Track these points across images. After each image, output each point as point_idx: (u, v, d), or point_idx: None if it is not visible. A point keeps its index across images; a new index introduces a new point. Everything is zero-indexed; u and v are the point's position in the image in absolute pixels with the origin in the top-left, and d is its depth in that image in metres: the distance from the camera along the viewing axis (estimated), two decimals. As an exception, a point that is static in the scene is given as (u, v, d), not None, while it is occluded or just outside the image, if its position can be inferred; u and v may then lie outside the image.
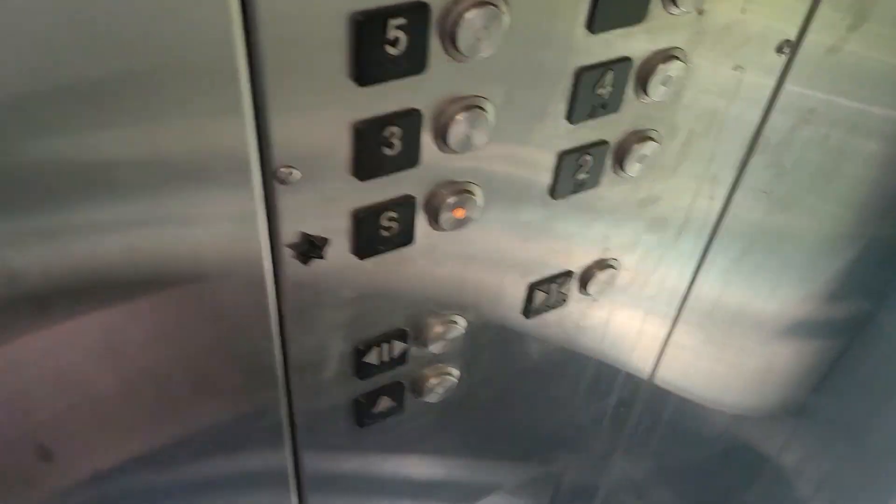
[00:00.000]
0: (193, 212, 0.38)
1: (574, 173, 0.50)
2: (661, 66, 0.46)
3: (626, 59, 0.45)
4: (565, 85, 0.45)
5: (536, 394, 0.69)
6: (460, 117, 0.42)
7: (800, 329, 0.90)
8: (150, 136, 0.34)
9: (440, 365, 0.58)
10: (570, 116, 0.46)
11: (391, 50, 0.37)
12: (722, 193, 0.60)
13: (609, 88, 0.46)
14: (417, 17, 0.36)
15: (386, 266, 0.48)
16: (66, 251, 0.36)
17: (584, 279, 0.59)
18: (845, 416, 1.10)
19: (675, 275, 0.66)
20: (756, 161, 0.59)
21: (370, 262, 0.47)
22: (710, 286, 0.70)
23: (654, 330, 0.70)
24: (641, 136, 0.51)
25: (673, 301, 0.69)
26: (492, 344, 0.60)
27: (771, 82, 0.54)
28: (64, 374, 0.41)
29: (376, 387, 0.56)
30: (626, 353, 0.72)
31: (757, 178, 0.61)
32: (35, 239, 0.35)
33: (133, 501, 0.51)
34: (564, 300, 0.60)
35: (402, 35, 0.36)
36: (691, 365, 0.82)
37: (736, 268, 0.70)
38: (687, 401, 0.89)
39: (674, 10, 0.44)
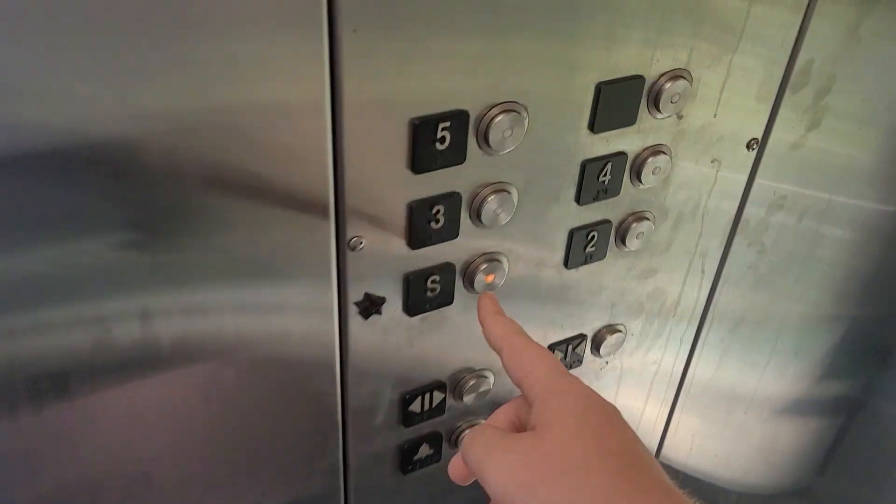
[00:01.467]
0: (279, 287, 0.49)
1: (584, 247, 0.60)
2: (651, 159, 0.58)
3: (622, 153, 0.57)
4: (574, 174, 0.56)
5: (557, 452, 0.77)
6: (492, 199, 0.53)
7: (795, 408, 0.98)
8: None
9: (472, 418, 0.67)
10: (579, 199, 0.57)
11: (438, 146, 0.48)
12: (712, 267, 0.70)
13: (609, 177, 0.57)
14: (459, 120, 0.48)
15: (430, 323, 0.58)
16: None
17: (597, 342, 0.69)
18: (849, 497, 1.15)
19: (675, 342, 0.75)
20: (739, 240, 0.70)
21: (417, 319, 0.57)
22: (707, 357, 0.79)
23: (660, 394, 0.79)
24: (638, 217, 0.61)
25: (676, 368, 0.77)
26: (517, 400, 0.68)
27: (745, 173, 0.65)
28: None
29: (418, 435, 0.65)
30: (633, 420, 0.80)
31: (741, 256, 0.71)
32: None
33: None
34: (580, 361, 0.69)
35: (448, 134, 0.48)
36: (696, 442, 0.90)
37: (730, 339, 0.79)
38: (692, 478, 0.96)
39: (658, 115, 0.56)
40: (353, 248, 0.50)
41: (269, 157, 0.43)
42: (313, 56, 0.41)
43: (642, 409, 0.80)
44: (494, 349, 0.45)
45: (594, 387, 0.73)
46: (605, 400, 0.40)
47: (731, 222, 0.68)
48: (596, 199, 0.58)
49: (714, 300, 0.73)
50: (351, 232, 0.49)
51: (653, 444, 0.88)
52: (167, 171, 0.41)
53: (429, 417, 0.63)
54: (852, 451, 1.12)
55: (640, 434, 0.73)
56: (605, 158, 0.56)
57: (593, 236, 0.60)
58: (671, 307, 0.71)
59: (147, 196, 0.41)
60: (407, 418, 0.62)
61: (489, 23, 0.45)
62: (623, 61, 0.52)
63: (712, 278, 0.71)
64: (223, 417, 0.54)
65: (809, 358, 0.91)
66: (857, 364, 0.99)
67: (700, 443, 0.92)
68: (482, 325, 0.46)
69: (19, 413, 0.45)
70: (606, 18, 0.49)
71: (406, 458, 0.65)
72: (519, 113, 0.49)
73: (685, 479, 0.98)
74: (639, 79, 0.53)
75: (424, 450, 0.66)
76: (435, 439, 0.66)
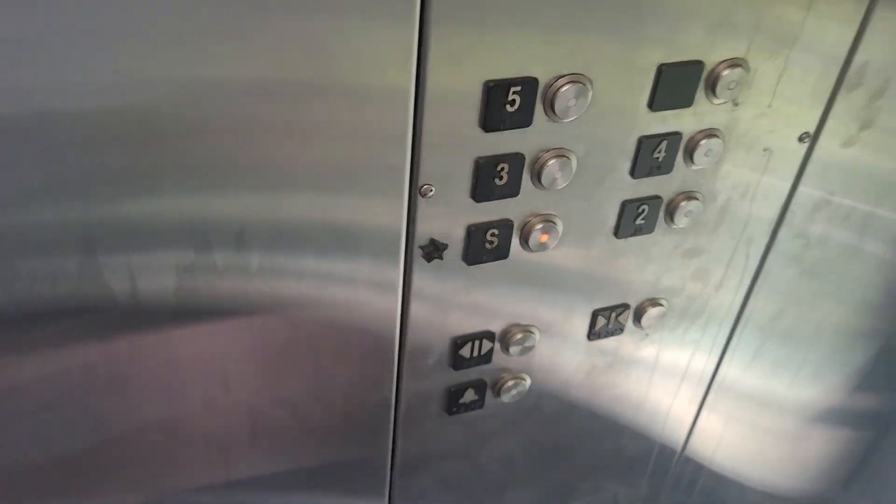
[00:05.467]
0: (355, 212, 0.55)
1: (634, 219, 0.65)
2: (704, 142, 0.62)
3: (677, 133, 0.61)
4: (630, 148, 0.61)
5: (589, 419, 0.82)
6: (553, 163, 0.58)
7: (827, 416, 1.00)
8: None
9: (517, 370, 0.72)
10: (633, 172, 0.62)
11: (509, 108, 0.53)
12: (757, 253, 0.74)
13: (663, 154, 0.62)
14: (530, 87, 0.53)
15: (485, 274, 0.63)
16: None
17: (638, 313, 0.73)
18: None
19: (715, 325, 0.79)
20: (785, 231, 0.73)
21: (474, 269, 0.62)
22: (745, 345, 0.83)
23: (698, 368, 0.83)
24: (688, 196, 0.66)
25: (714, 351, 0.81)
26: (560, 360, 0.74)
27: (795, 165, 0.68)
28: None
29: (466, 379, 0.70)
30: (668, 397, 0.84)
31: (787, 246, 0.75)
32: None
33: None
34: (622, 329, 0.74)
35: (518, 98, 0.53)
36: (724, 437, 0.93)
37: (770, 330, 0.82)
38: (716, 474, 0.99)
39: (715, 100, 0.60)
40: (424, 195, 0.56)
41: (358, 110, 0.50)
42: (405, 18, 0.47)
43: (676, 391, 0.84)
44: None
45: (631, 359, 0.78)
46: None
47: (779, 212, 0.72)
48: (649, 174, 0.63)
49: (756, 287, 0.77)
50: (423, 179, 0.55)
51: (680, 435, 0.91)
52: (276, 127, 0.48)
53: (476, 364, 0.69)
54: (880, 468, 1.13)
55: (668, 420, 0.78)
56: (661, 136, 0.61)
57: (644, 209, 0.65)
58: (713, 289, 0.75)
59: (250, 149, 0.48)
60: (456, 362, 0.68)
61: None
62: (685, 46, 0.56)
63: (756, 264, 0.75)
64: (290, 346, 0.61)
65: (844, 368, 0.93)
66: (892, 381, 1.01)
67: (727, 438, 0.95)
68: None
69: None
70: (674, 4, 0.54)
71: (452, 401, 0.71)
72: (584, 85, 0.54)
73: (708, 477, 1.02)
74: (698, 64, 0.57)
75: (469, 395, 0.71)
76: (480, 386, 0.71)
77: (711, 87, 0.59)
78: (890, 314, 0.89)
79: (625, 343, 0.76)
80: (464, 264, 0.62)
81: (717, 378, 0.85)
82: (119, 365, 0.56)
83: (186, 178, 0.48)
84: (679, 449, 0.92)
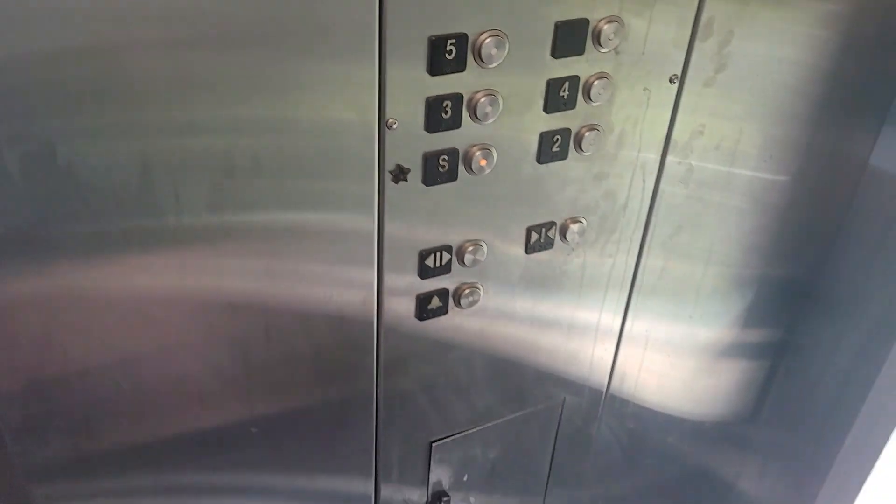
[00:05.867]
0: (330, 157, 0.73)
1: (550, 147, 0.85)
2: (597, 83, 0.82)
3: (576, 76, 0.81)
4: (542, 88, 0.80)
5: (533, 328, 1.00)
6: (483, 100, 0.77)
7: (728, 348, 1.20)
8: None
9: (472, 281, 0.91)
10: (546, 108, 0.82)
11: (448, 56, 0.73)
12: (651, 177, 0.94)
13: (567, 93, 0.82)
14: (462, 40, 0.73)
15: (440, 194, 0.82)
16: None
17: (563, 229, 0.93)
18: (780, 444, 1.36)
19: (626, 241, 0.99)
20: (671, 158, 0.94)
21: (430, 190, 0.81)
22: (653, 260, 1.03)
23: (618, 278, 1.02)
24: (590, 127, 0.86)
25: (629, 258, 1.01)
26: (505, 272, 0.92)
27: (670, 102, 0.89)
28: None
29: (431, 289, 0.88)
30: (596, 307, 1.04)
31: (674, 171, 0.95)
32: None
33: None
34: (551, 244, 0.93)
35: (454, 48, 0.73)
36: (646, 354, 1.13)
37: (671, 246, 1.03)
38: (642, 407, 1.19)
39: (601, 49, 0.81)
40: (390, 127, 0.75)
41: (332, 65, 0.68)
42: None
43: (602, 301, 1.03)
44: None
45: (563, 273, 0.97)
46: None
47: (664, 141, 0.92)
48: (558, 109, 0.82)
49: (655, 206, 0.97)
50: (389, 114, 0.74)
51: (611, 342, 1.11)
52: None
53: (439, 273, 0.87)
54: (780, 397, 1.34)
55: (598, 330, 0.96)
56: (564, 79, 0.81)
57: (557, 139, 0.84)
58: (620, 209, 0.95)
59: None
60: (422, 271, 0.86)
61: (481, -27, 0.70)
62: (573, 6, 0.77)
63: (652, 186, 0.95)
64: (285, 261, 0.78)
65: (735, 302, 1.14)
66: (775, 316, 1.22)
67: (652, 343, 1.15)
68: None
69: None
70: (560, -24, 0.75)
71: (422, 307, 0.89)
72: (502, 38, 0.74)
73: (634, 412, 1.21)
74: (584, 20, 0.78)
75: (435, 301, 0.89)
76: (443, 294, 0.89)
77: (597, 39, 0.80)
78: (765, 243, 1.10)
79: (556, 257, 0.95)
80: (423, 186, 0.80)
81: (635, 288, 1.04)
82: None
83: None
84: (612, 356, 1.11)
